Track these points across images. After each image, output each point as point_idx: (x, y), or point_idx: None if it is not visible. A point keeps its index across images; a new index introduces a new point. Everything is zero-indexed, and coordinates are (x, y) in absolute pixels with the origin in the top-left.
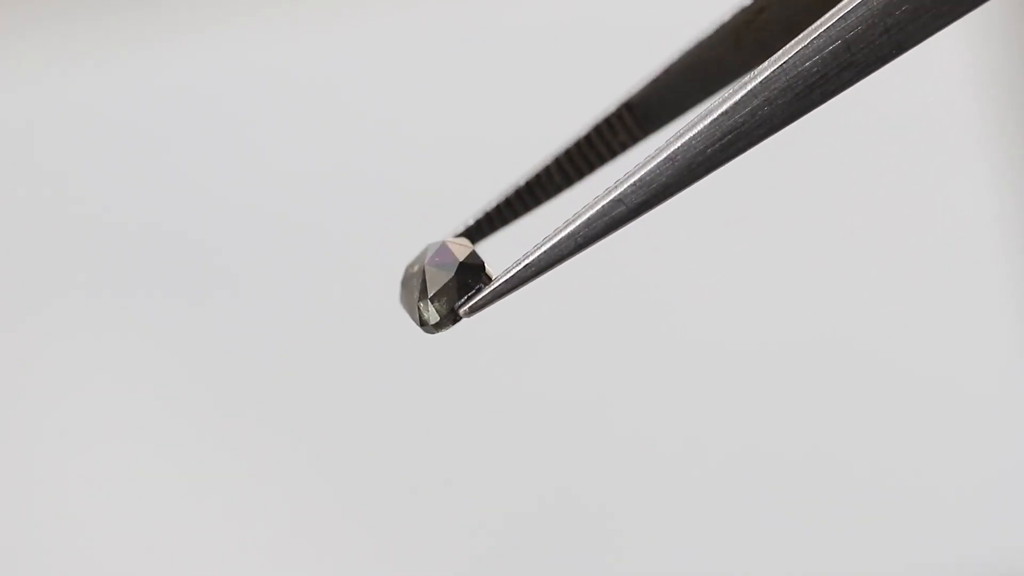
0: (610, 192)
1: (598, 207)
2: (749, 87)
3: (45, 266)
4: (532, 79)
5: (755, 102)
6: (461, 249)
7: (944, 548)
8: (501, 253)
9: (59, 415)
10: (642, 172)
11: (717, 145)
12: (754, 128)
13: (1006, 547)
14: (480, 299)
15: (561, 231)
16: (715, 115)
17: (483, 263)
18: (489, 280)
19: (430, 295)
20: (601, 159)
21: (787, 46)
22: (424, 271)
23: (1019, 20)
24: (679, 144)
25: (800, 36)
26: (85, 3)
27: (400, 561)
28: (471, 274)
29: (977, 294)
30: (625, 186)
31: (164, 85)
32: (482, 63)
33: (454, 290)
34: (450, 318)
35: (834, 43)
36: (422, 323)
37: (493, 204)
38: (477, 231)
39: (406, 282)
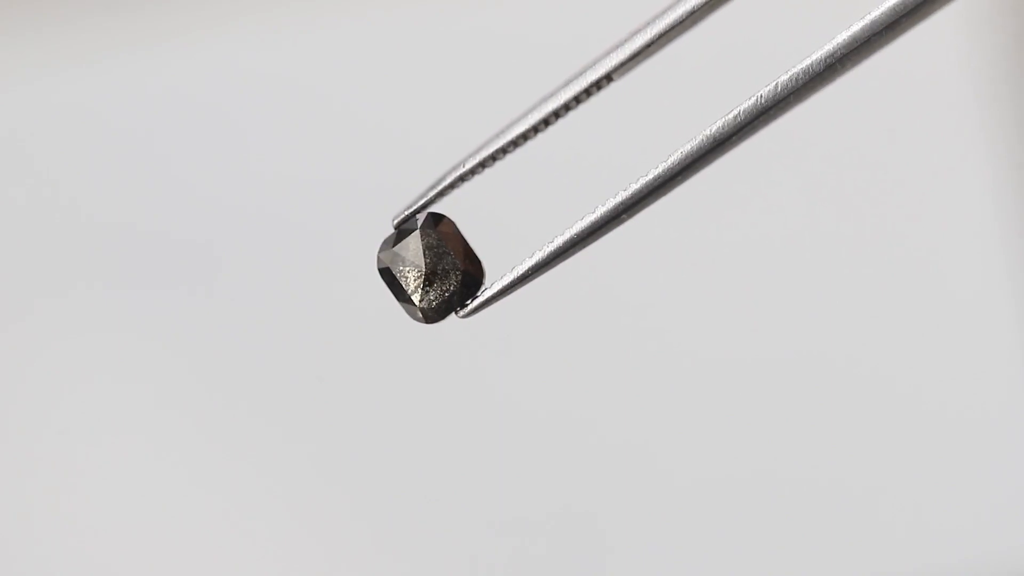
0: (609, 200)
1: (597, 215)
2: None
3: (44, 264)
4: (526, 82)
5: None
6: (459, 247)
7: (944, 548)
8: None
9: (59, 413)
10: (643, 182)
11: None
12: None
13: (1006, 547)
14: (478, 303)
15: (559, 237)
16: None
17: (482, 267)
18: (482, 281)
19: (432, 303)
20: (567, 109)
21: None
22: (425, 276)
23: (1018, 17)
24: (686, 150)
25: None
26: (77, 7)
27: (398, 562)
28: (471, 281)
29: (976, 295)
30: (626, 195)
31: (160, 86)
32: (474, 65)
33: (456, 296)
34: (445, 316)
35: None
36: (413, 314)
37: (465, 169)
38: (450, 186)
39: (394, 267)
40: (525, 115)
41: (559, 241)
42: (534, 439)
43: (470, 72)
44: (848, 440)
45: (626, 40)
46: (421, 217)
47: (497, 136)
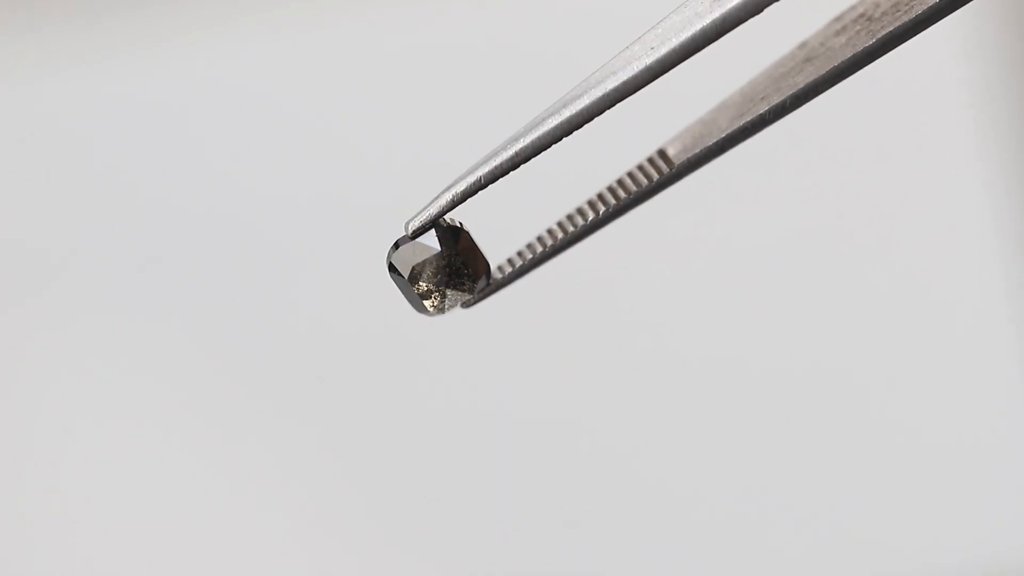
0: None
1: (600, 211)
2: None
3: (47, 263)
4: (519, 85)
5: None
6: (474, 259)
7: (944, 549)
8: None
9: (58, 411)
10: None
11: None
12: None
13: (1006, 547)
14: (482, 295)
15: (560, 232)
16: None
17: (490, 269)
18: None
19: (443, 309)
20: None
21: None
22: (442, 292)
23: (1015, 14)
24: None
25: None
26: (70, 8)
27: (398, 562)
28: (482, 285)
29: (974, 296)
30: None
31: (162, 85)
32: (471, 69)
33: (466, 300)
34: (451, 310)
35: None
36: (419, 309)
37: (484, 177)
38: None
39: (410, 278)
40: (545, 119)
41: (561, 235)
42: (533, 440)
43: (467, 76)
44: (847, 440)
45: (653, 50)
46: (439, 231)
47: (516, 140)
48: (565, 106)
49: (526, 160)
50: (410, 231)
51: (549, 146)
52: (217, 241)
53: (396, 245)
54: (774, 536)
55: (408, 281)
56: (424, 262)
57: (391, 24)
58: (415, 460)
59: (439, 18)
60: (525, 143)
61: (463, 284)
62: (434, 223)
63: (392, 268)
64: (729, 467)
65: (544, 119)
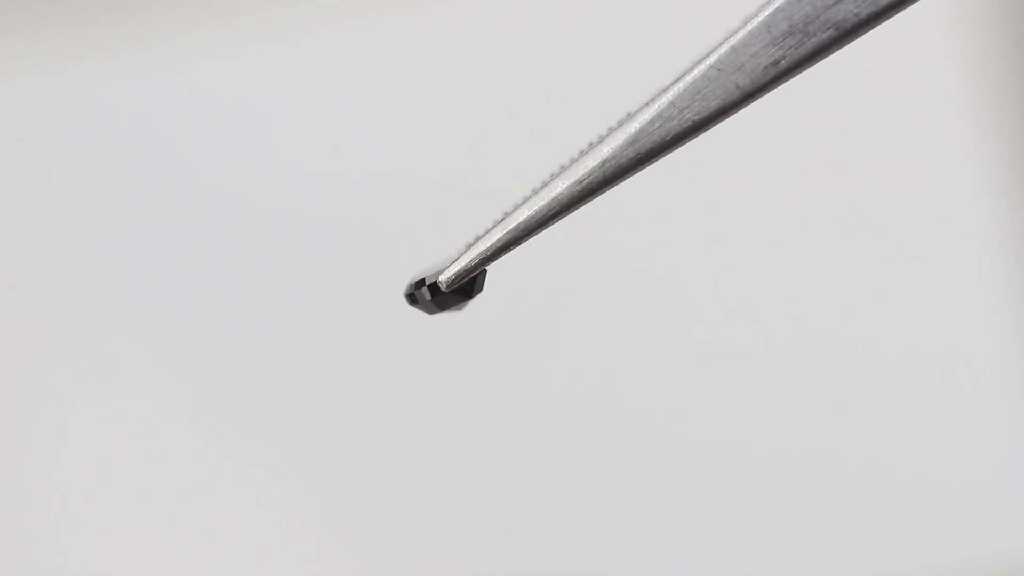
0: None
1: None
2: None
3: (48, 262)
4: (503, 93)
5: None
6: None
7: (944, 548)
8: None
9: (58, 409)
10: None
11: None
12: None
13: (1006, 548)
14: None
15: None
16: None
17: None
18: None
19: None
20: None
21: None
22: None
23: (1010, 11)
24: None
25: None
26: (77, 7)
27: (398, 563)
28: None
29: (976, 292)
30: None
31: (168, 86)
32: (453, 78)
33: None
34: None
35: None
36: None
37: (516, 233)
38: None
39: (430, 310)
40: (589, 162)
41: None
42: (532, 440)
43: (464, 82)
44: (851, 437)
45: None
46: (468, 279)
47: (552, 186)
48: (610, 147)
49: (565, 211)
50: (444, 285)
51: (594, 195)
52: (216, 240)
53: (416, 299)
54: (775, 535)
55: (429, 313)
56: (453, 307)
57: (384, 29)
58: (414, 460)
59: (435, 20)
60: (561, 191)
61: (470, 296)
62: (467, 276)
63: (412, 302)
64: (728, 466)
65: (588, 162)
